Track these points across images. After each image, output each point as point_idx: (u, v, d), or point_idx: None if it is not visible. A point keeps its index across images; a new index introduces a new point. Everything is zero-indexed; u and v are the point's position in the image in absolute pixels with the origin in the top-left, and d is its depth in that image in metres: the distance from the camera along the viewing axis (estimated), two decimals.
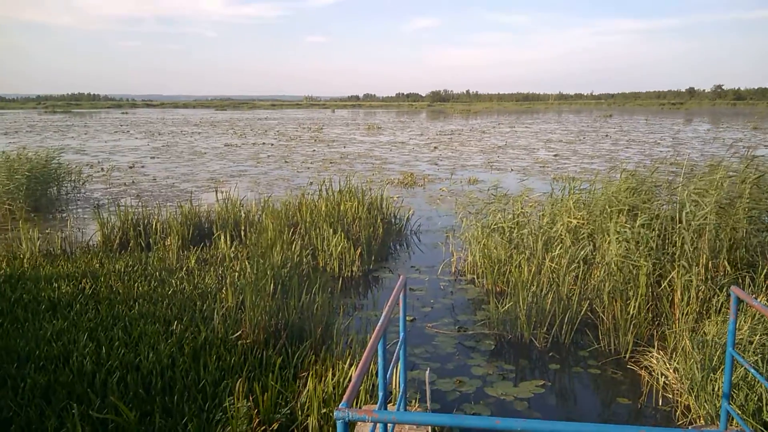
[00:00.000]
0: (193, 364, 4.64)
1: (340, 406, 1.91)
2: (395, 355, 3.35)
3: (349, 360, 4.76)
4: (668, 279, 6.02)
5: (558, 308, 6.12)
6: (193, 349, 4.92)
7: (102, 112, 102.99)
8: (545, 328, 6.06)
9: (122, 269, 7.49)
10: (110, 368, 4.49)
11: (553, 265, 6.70)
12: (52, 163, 14.56)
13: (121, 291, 6.54)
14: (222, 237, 8.66)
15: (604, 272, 6.31)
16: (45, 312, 5.83)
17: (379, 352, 2.79)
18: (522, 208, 8.29)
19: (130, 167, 21.58)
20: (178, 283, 6.92)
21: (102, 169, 20.89)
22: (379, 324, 2.69)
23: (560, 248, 6.83)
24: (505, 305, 6.29)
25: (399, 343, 3.43)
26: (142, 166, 21.89)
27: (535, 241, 7.54)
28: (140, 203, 12.03)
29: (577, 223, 7.29)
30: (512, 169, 20.63)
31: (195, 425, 3.82)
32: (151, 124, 57.50)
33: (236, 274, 6.87)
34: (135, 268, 7.56)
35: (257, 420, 3.84)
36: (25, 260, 8.03)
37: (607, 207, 7.21)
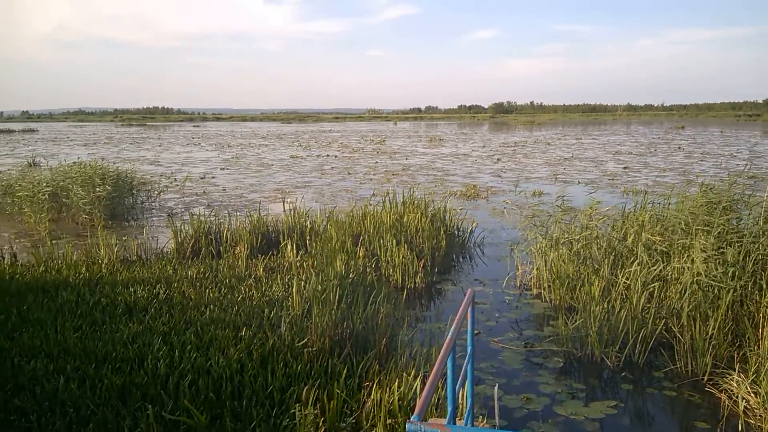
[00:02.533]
0: (261, 370, 4.73)
1: (412, 419, 1.90)
2: (463, 369, 3.31)
3: (414, 372, 4.73)
4: (752, 299, 5.69)
5: (631, 326, 5.88)
6: (261, 355, 5.02)
7: (175, 125, 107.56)
8: (617, 347, 5.84)
9: (194, 276, 7.75)
10: (182, 371, 4.64)
11: (626, 281, 6.46)
12: (129, 173, 15.27)
13: (193, 297, 6.77)
14: (288, 246, 8.83)
15: (682, 290, 6.03)
16: (121, 315, 6.09)
17: (449, 366, 2.76)
18: (590, 222, 8.06)
19: (202, 178, 22.39)
20: (247, 290, 7.10)
21: (175, 179, 21.76)
22: (448, 337, 2.66)
23: (637, 264, 6.56)
24: (575, 321, 6.11)
25: (467, 358, 3.39)
26: (213, 177, 22.67)
27: (604, 256, 7.30)
28: (211, 212, 12.45)
29: (657, 240, 7.00)
30: (579, 182, 20.12)
31: (263, 430, 3.88)
32: (221, 136, 59.57)
33: (302, 282, 6.97)
34: (206, 275, 7.81)
35: (323, 428, 3.87)
36: (103, 265, 8.45)
37: (683, 222, 6.91)
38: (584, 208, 8.79)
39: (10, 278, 7.58)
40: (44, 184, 13.48)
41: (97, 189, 13.27)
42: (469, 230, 11.03)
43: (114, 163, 15.77)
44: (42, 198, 13.12)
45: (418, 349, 5.44)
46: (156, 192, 16.57)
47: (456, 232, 10.65)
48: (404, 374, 4.69)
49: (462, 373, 3.30)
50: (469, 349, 3.45)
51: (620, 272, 6.78)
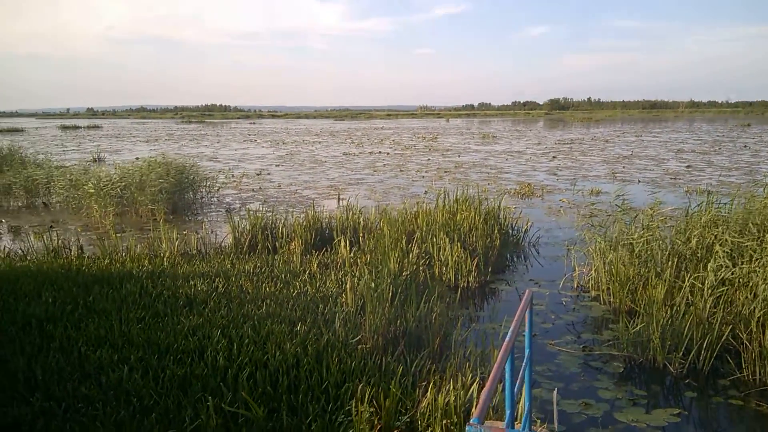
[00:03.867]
0: (316, 365, 4.78)
1: (472, 421, 1.88)
2: (521, 372, 3.25)
3: (469, 373, 4.69)
4: None
5: (696, 332, 5.65)
6: (316, 350, 5.07)
7: (232, 122, 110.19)
8: (681, 353, 5.63)
9: (251, 270, 7.92)
10: (241, 364, 4.74)
11: (692, 284, 6.21)
12: (190, 170, 15.74)
13: (250, 291, 6.91)
14: (342, 242, 8.91)
15: (752, 295, 5.75)
16: (182, 308, 6.27)
17: (507, 369, 2.71)
18: (652, 222, 7.79)
19: (258, 174, 22.86)
20: (302, 285, 7.19)
21: (232, 175, 22.29)
22: (507, 339, 2.62)
23: (709, 266, 6.30)
24: (636, 325, 5.92)
25: (525, 361, 3.32)
26: (268, 174, 23.11)
27: (667, 258, 7.05)
28: (267, 208, 12.68)
29: (735, 240, 6.70)
30: (639, 181, 19.49)
31: (319, 425, 3.93)
32: (276, 133, 60.66)
33: (356, 279, 7.02)
34: (262, 270, 7.97)
35: (379, 426, 3.88)
36: (164, 259, 8.73)
37: (752, 224, 6.59)
38: (645, 207, 8.51)
39: (77, 270, 7.93)
40: (114, 180, 14.02)
41: (161, 181, 13.72)
42: (523, 229, 10.85)
43: (175, 159, 16.24)
44: (111, 193, 13.66)
45: (473, 350, 5.39)
46: (215, 188, 17.01)
47: (510, 230, 10.50)
48: (459, 375, 4.65)
49: (520, 376, 3.24)
50: (527, 351, 3.38)
51: (685, 275, 6.53)
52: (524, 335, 3.42)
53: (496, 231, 9.39)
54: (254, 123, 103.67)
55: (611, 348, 6.11)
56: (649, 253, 7.41)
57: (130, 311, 6.02)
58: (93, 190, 13.87)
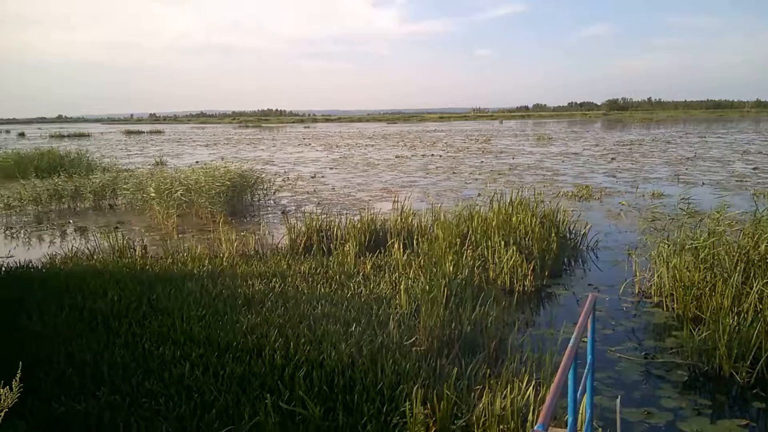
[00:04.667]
0: (371, 366, 4.79)
1: (536, 428, 1.85)
2: (582, 379, 3.16)
3: (526, 378, 4.60)
4: None
5: (765, 340, 5.38)
6: (371, 351, 5.08)
7: (287, 126, 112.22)
8: (748, 361, 5.36)
9: (306, 271, 8.02)
10: (297, 363, 4.80)
11: (761, 291, 5.91)
12: (248, 173, 16.12)
13: (305, 291, 7.00)
14: (395, 245, 8.91)
15: None
16: (241, 307, 6.41)
17: (570, 376, 2.64)
18: (718, 227, 7.46)
19: (312, 177, 23.18)
20: (356, 286, 7.24)
21: (288, 178, 22.68)
22: (570, 345, 2.55)
23: None
24: (701, 333, 5.67)
25: (587, 367, 3.23)
26: (323, 176, 23.40)
27: (734, 263, 6.73)
28: (321, 210, 12.84)
29: None
30: (703, 183, 18.71)
31: (374, 426, 3.93)
32: (329, 137, 61.39)
33: (410, 281, 7.01)
34: (317, 271, 8.06)
35: (434, 429, 3.86)
36: (224, 259, 8.95)
37: None
38: (711, 211, 8.16)
39: (141, 269, 8.23)
40: (176, 183, 14.50)
41: (219, 186, 14.11)
42: (581, 233, 10.58)
43: (233, 163, 16.67)
44: (175, 196, 14.13)
45: (529, 355, 5.28)
46: (271, 190, 17.34)
47: (568, 234, 10.26)
48: (515, 380, 4.57)
49: (581, 383, 3.15)
50: (589, 358, 3.29)
51: (753, 281, 6.22)
52: (586, 341, 3.33)
53: (553, 234, 9.20)
54: (308, 127, 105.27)
55: (675, 356, 5.88)
56: (715, 258, 7.10)
57: (191, 309, 6.19)
58: (155, 193, 14.38)
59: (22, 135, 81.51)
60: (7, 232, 13.55)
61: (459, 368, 4.86)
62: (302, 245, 9.83)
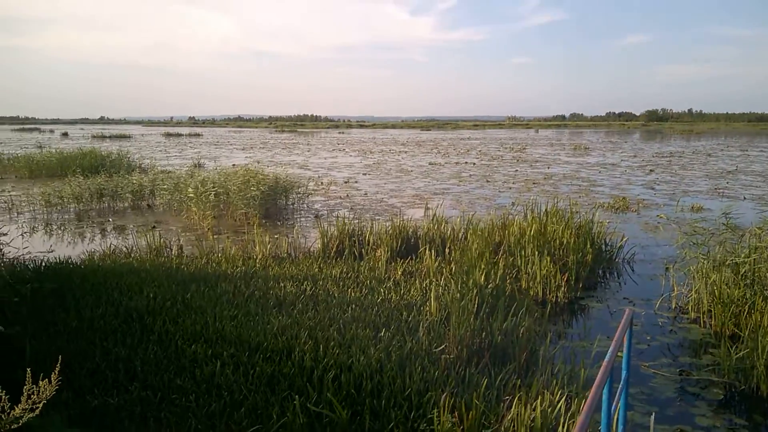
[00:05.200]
0: (399, 372, 4.77)
1: None
2: (617, 394, 3.09)
3: (557, 391, 4.52)
4: None
5: None
6: (399, 357, 5.07)
7: (322, 131, 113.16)
8: None
9: (337, 275, 8.06)
10: (326, 366, 4.81)
11: None
12: (281, 177, 16.30)
13: (336, 295, 7.02)
14: (427, 251, 8.88)
15: None
16: (272, 308, 6.46)
17: (605, 391, 2.58)
18: (760, 243, 7.23)
19: (345, 182, 23.30)
20: (386, 292, 7.23)
21: (321, 183, 22.85)
22: (607, 360, 2.49)
23: None
24: (740, 351, 5.49)
25: (621, 383, 3.16)
26: (356, 182, 23.50)
27: None
28: (354, 215, 12.88)
29: None
30: (745, 198, 18.18)
31: None
32: (363, 143, 61.67)
33: (440, 289, 6.97)
34: (348, 275, 8.09)
35: None
36: (257, 261, 9.06)
37: None
38: (753, 226, 7.92)
39: (177, 268, 8.37)
40: (210, 185, 14.76)
41: (253, 190, 14.30)
42: (617, 245, 10.38)
43: (267, 167, 16.89)
44: (210, 197, 14.37)
45: (561, 367, 5.19)
46: (305, 194, 17.50)
47: (603, 246, 10.07)
48: (546, 392, 4.50)
49: (616, 398, 3.08)
50: (624, 373, 3.22)
51: None
52: (621, 356, 3.26)
53: (588, 245, 9.04)
54: (343, 132, 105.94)
55: (711, 373, 5.72)
56: (756, 274, 6.88)
57: (223, 309, 6.27)
58: (192, 194, 14.66)
59: (65, 135, 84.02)
60: (48, 228, 13.97)
61: (488, 378, 4.80)
62: (334, 249, 9.88)
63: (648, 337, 6.75)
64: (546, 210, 10.32)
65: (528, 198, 17.42)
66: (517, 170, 28.12)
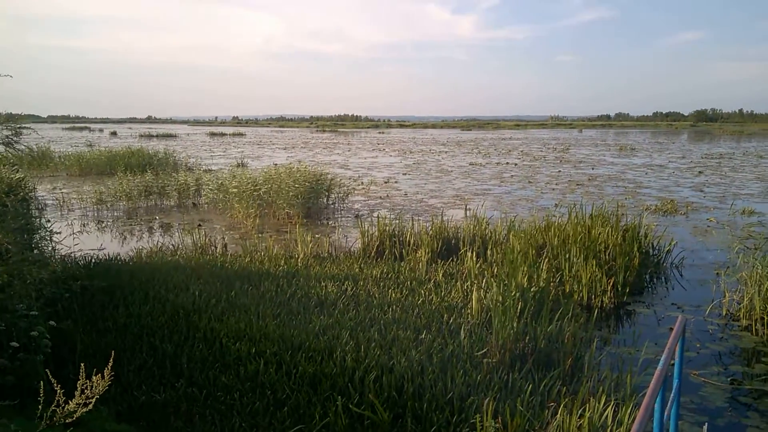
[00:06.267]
0: (441, 375, 4.74)
1: None
2: (668, 403, 2.99)
3: (603, 398, 4.41)
4: None
5: None
6: (441, 360, 5.04)
7: (362, 131, 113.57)
8: None
9: (378, 275, 8.06)
10: (367, 367, 4.81)
11: None
12: (323, 176, 16.43)
13: (376, 295, 7.03)
14: (468, 253, 8.80)
15: None
16: (314, 308, 6.51)
17: (657, 399, 2.50)
18: None
19: (385, 182, 23.32)
20: (427, 293, 7.20)
21: (361, 183, 22.92)
22: (660, 368, 2.42)
23: None
24: None
25: (673, 392, 3.06)
26: (395, 182, 23.50)
27: None
28: (394, 216, 12.88)
29: None
30: None
31: None
32: (403, 143, 61.64)
33: (482, 291, 6.90)
34: (389, 276, 8.08)
35: None
36: (299, 260, 9.14)
37: None
38: None
39: (221, 266, 8.52)
40: (256, 183, 14.97)
41: (297, 186, 14.45)
42: (665, 249, 10.09)
43: (308, 166, 17.04)
44: (253, 195, 14.60)
45: (608, 374, 5.07)
46: (345, 194, 17.59)
47: (650, 250, 9.80)
48: (592, 399, 4.39)
49: (667, 408, 2.98)
50: (675, 382, 3.11)
51: None
52: (672, 364, 3.15)
53: (635, 249, 8.81)
54: (383, 132, 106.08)
55: (764, 383, 5.51)
56: None
57: (266, 308, 6.35)
58: (235, 190, 14.91)
59: (114, 134, 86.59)
60: (100, 225, 14.41)
61: (532, 383, 4.72)
62: (374, 249, 9.89)
63: (698, 345, 6.54)
64: (592, 212, 10.11)
65: (572, 199, 17.10)
66: (560, 171, 27.65)
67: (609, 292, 7.84)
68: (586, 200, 15.93)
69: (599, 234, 8.96)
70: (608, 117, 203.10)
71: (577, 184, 22.01)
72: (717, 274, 8.93)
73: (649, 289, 8.85)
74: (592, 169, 28.84)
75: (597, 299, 7.83)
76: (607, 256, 8.56)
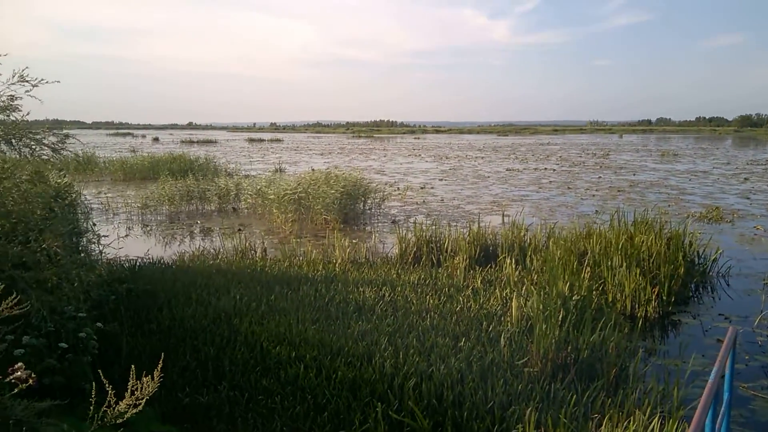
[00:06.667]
0: (480, 383, 4.69)
1: None
2: (719, 417, 2.90)
3: (648, 410, 4.30)
4: None
5: None
6: (481, 368, 4.99)
7: (398, 137, 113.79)
8: None
9: (415, 281, 8.04)
10: (407, 373, 4.80)
11: None
12: (360, 182, 16.50)
13: (414, 302, 7.01)
14: (507, 260, 8.71)
15: None
16: (352, 313, 6.53)
17: (709, 413, 2.43)
18: None
19: (421, 188, 23.29)
20: (465, 300, 7.14)
21: (398, 188, 22.95)
22: (711, 381, 2.35)
23: None
24: None
25: (723, 405, 2.97)
26: (432, 187, 23.45)
27: None
28: (431, 222, 12.85)
29: None
30: None
31: None
32: (439, 148, 61.51)
33: (522, 298, 6.81)
34: (426, 282, 8.06)
35: None
36: (337, 265, 9.19)
37: None
38: None
39: (261, 270, 8.63)
40: (294, 189, 15.15)
41: (333, 192, 14.55)
42: (711, 258, 9.80)
43: (344, 172, 17.16)
44: (290, 200, 14.76)
45: (654, 386, 4.94)
46: (382, 199, 17.63)
47: (696, 258, 9.54)
48: (637, 411, 4.29)
49: (718, 422, 2.90)
50: (726, 396, 3.02)
51: None
52: (723, 377, 3.06)
53: (679, 258, 8.58)
54: (418, 138, 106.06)
55: None
56: None
57: (306, 312, 6.40)
58: (273, 196, 15.10)
59: (156, 140, 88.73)
60: (145, 228, 14.78)
61: (575, 394, 4.64)
62: (412, 255, 9.88)
63: (746, 357, 6.33)
64: (635, 219, 9.89)
65: (612, 206, 16.78)
66: (600, 177, 27.17)
67: (653, 302, 7.65)
68: (628, 207, 15.59)
69: (642, 242, 8.76)
70: (649, 122, 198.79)
71: (618, 191, 21.59)
72: (765, 283, 8.63)
73: (695, 298, 8.60)
74: (634, 175, 28.24)
75: (641, 309, 7.65)
76: (650, 265, 8.36)
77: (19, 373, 2.19)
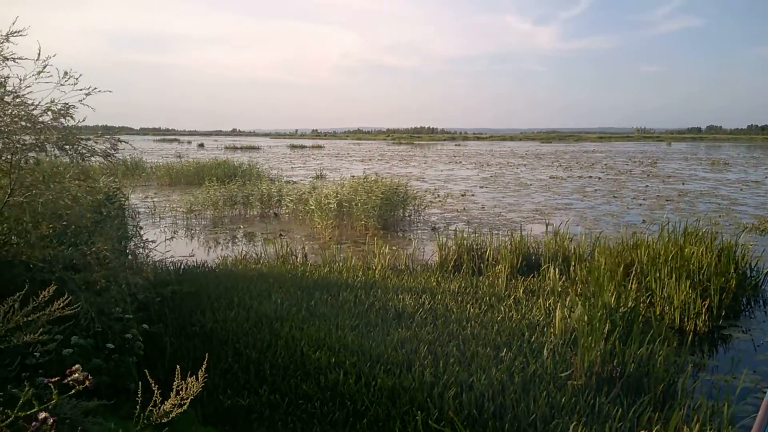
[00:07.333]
0: (522, 395, 4.60)
1: None
2: None
3: (697, 427, 4.14)
4: None
5: None
6: (523, 379, 4.89)
7: (438, 143, 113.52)
8: None
9: (456, 290, 7.97)
10: (446, 383, 4.75)
11: None
12: (400, 188, 16.50)
13: (454, 310, 6.94)
14: (550, 269, 8.55)
15: None
16: (391, 320, 6.50)
17: None
18: None
19: (462, 195, 23.14)
20: (507, 310, 7.04)
21: (438, 195, 22.86)
22: (766, 399, 2.23)
23: None
24: None
25: None
26: (473, 195, 23.27)
27: None
28: (471, 229, 12.74)
29: None
30: None
31: None
32: (480, 155, 61.07)
33: (566, 309, 6.66)
34: (467, 290, 7.97)
35: None
36: (376, 271, 9.19)
37: None
38: None
39: (302, 275, 8.70)
40: (335, 196, 15.27)
41: (374, 198, 14.60)
42: (764, 271, 9.40)
43: (384, 178, 17.19)
44: (330, 207, 14.88)
45: (703, 402, 4.75)
46: (422, 207, 17.58)
47: (748, 272, 9.17)
48: (685, 428, 4.14)
49: None
50: None
51: None
52: None
53: (731, 270, 8.27)
54: (459, 144, 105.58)
55: None
56: None
57: (345, 318, 6.40)
58: (314, 205, 15.23)
59: (201, 146, 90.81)
60: (189, 232, 15.11)
61: (621, 409, 4.50)
62: (452, 263, 9.80)
63: None
64: (685, 230, 9.58)
65: (660, 216, 16.32)
66: (647, 186, 26.48)
67: (703, 315, 7.38)
68: (677, 217, 15.14)
69: (693, 253, 8.47)
70: (699, 130, 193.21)
71: (666, 200, 20.99)
72: None
73: (746, 313, 8.27)
74: (683, 184, 27.44)
75: (690, 322, 7.38)
76: (701, 277, 8.07)
77: (76, 374, 2.25)
